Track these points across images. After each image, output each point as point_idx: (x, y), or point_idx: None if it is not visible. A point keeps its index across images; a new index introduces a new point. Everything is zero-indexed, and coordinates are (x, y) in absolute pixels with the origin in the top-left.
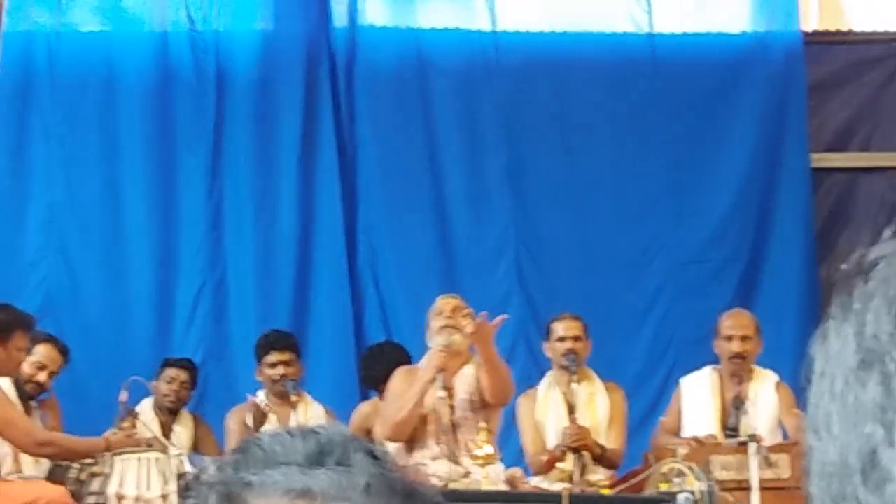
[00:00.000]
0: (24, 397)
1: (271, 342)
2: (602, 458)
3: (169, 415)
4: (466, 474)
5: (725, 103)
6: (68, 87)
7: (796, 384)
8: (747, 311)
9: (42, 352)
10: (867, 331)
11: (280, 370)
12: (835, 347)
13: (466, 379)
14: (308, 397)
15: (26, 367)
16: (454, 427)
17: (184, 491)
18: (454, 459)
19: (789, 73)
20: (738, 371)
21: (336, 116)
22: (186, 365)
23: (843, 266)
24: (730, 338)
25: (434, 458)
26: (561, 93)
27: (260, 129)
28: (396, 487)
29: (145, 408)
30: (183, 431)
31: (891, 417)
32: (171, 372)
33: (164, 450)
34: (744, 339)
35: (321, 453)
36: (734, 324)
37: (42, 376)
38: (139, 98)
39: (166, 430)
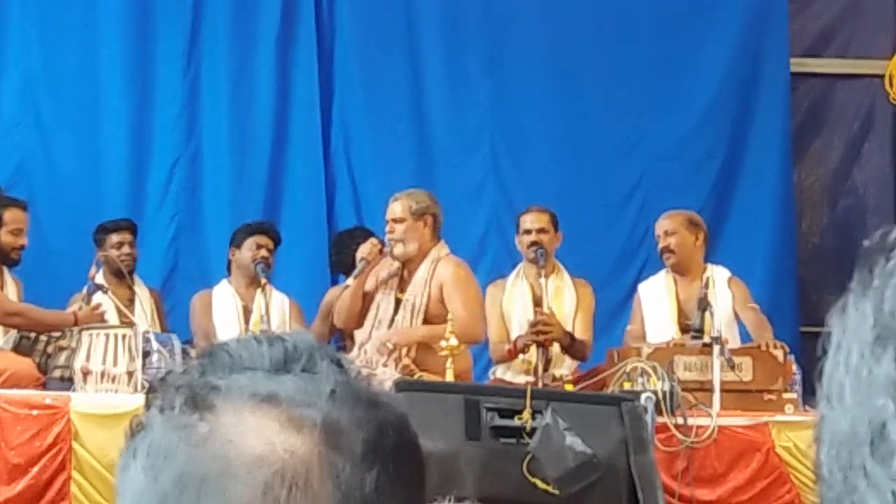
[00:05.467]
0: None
1: (264, 228)
2: (571, 348)
3: (124, 278)
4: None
5: (708, 2)
6: None
7: (767, 282)
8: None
9: (16, 217)
10: (885, 308)
11: (263, 252)
12: (852, 321)
13: (419, 283)
14: (271, 287)
15: (5, 237)
16: (390, 323)
17: (148, 393)
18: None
19: None
20: (679, 270)
21: None
22: (128, 225)
23: (866, 242)
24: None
25: (360, 345)
26: None
27: (239, 6)
28: (361, 395)
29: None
30: (142, 293)
31: None
32: (115, 237)
33: (130, 324)
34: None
35: (287, 360)
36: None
37: (23, 240)
38: None
39: (127, 300)
